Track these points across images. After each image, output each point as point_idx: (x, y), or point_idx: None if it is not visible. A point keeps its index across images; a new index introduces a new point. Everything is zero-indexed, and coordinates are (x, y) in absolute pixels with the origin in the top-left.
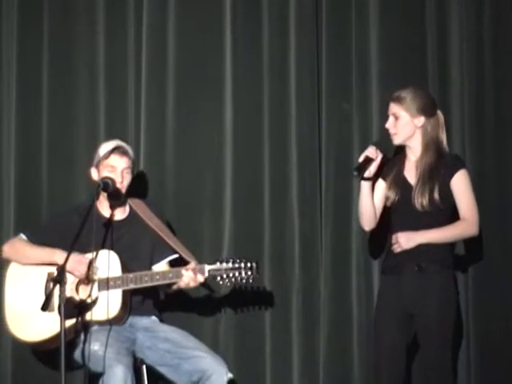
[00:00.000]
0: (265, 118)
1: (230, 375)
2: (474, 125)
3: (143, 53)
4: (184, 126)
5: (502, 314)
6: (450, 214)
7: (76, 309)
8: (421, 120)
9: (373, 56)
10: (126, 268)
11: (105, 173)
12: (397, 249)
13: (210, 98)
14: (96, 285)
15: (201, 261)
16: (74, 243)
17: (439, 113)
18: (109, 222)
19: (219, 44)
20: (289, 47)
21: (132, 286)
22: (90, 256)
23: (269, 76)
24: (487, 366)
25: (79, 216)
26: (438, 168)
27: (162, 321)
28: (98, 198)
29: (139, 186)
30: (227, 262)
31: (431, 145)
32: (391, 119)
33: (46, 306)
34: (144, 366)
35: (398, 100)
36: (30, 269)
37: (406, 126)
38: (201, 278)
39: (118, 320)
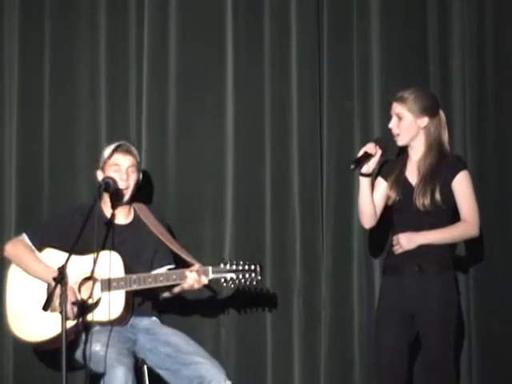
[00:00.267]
0: (266, 118)
1: (229, 382)
2: (475, 125)
3: (145, 54)
4: (185, 127)
5: (504, 314)
6: (451, 214)
7: (78, 309)
8: (424, 120)
9: (374, 56)
10: (128, 270)
11: (110, 172)
12: (398, 250)
13: (211, 99)
14: (98, 285)
15: (203, 262)
16: (76, 243)
17: (441, 113)
18: (110, 223)
19: (220, 44)
20: (290, 47)
21: (135, 287)
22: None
23: (270, 76)
24: (488, 367)
25: (82, 216)
26: (440, 168)
27: (162, 322)
28: (100, 198)
29: (142, 187)
30: (231, 265)
31: (434, 145)
32: (394, 119)
33: (47, 306)
34: (145, 367)
35: (402, 100)
36: None
37: (410, 126)
38: (205, 280)
39: (120, 321)
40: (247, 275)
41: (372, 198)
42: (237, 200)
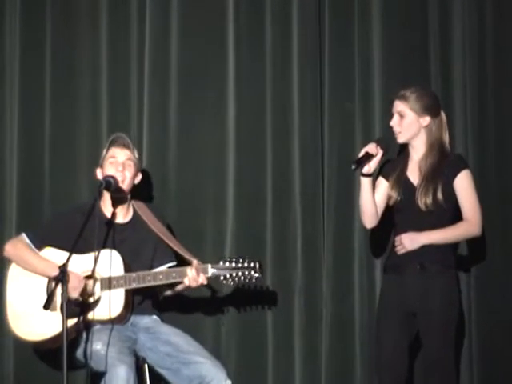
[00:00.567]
0: (267, 118)
1: (229, 382)
2: (476, 125)
3: (146, 53)
4: (186, 125)
5: (505, 313)
6: (453, 213)
7: (78, 308)
8: (426, 119)
9: (375, 57)
10: (128, 268)
11: (107, 166)
12: (401, 250)
13: (212, 98)
14: (98, 284)
15: (203, 260)
16: (76, 242)
17: (443, 114)
18: (110, 222)
19: (222, 42)
20: (291, 47)
21: (135, 286)
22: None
23: (271, 75)
24: (489, 366)
25: (82, 215)
26: (442, 168)
27: (162, 320)
28: (100, 197)
29: (142, 185)
30: (230, 262)
31: (435, 145)
32: (396, 117)
33: (47, 305)
34: (146, 365)
35: (404, 98)
36: None
37: (412, 124)
38: (204, 278)
39: (120, 319)
40: (246, 272)
41: (373, 198)
42: (238, 198)
